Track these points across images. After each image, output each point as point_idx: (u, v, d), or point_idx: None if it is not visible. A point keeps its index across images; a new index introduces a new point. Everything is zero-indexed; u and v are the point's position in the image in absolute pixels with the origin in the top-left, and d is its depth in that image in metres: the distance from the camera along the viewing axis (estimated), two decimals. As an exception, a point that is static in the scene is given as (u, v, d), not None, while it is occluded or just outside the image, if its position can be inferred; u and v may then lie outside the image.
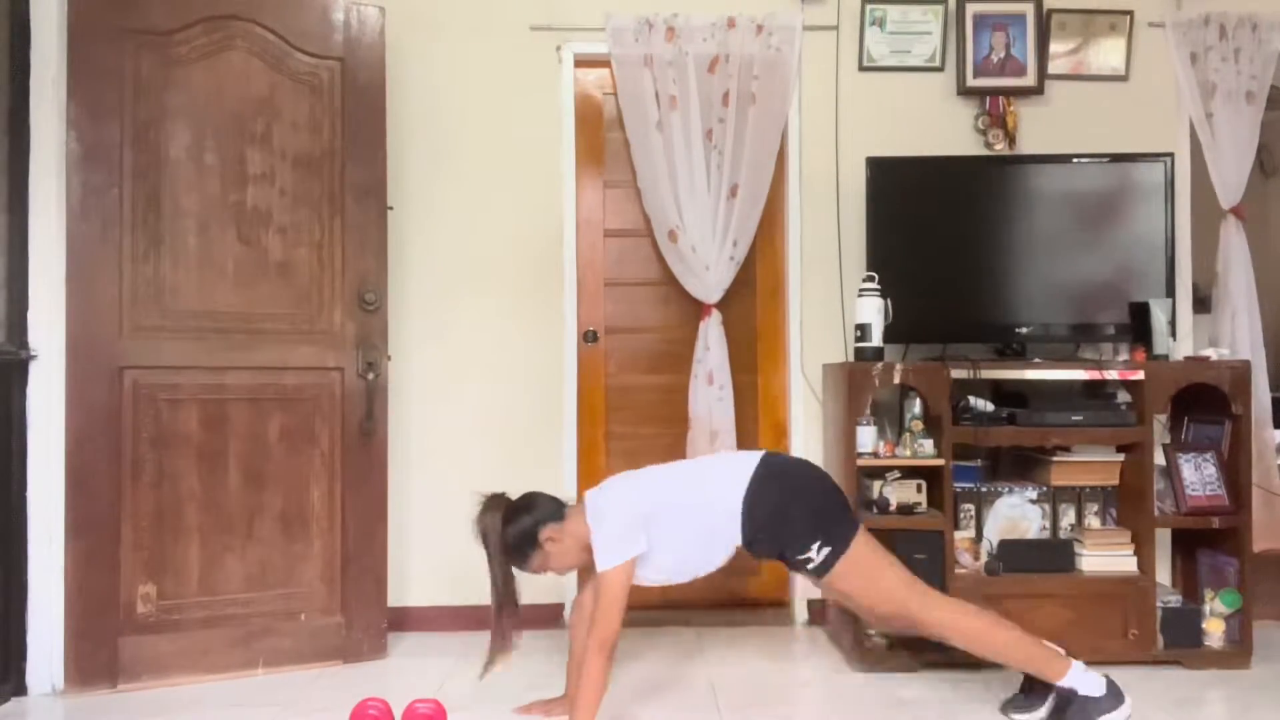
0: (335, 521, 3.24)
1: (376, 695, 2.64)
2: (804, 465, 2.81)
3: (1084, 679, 2.56)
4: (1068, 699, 2.57)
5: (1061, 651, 2.62)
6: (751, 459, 2.66)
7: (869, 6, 3.72)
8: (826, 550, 2.56)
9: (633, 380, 3.84)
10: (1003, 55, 3.73)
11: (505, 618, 2.61)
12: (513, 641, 2.64)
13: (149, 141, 3.05)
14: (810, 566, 2.59)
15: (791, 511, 2.59)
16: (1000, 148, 3.70)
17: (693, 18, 3.64)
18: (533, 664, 3.20)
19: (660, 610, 3.73)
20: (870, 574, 2.61)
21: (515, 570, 2.64)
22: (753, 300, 3.85)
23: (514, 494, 2.67)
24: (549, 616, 3.62)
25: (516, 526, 2.59)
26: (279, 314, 3.19)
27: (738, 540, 2.62)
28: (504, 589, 2.60)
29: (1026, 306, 3.46)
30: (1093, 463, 3.26)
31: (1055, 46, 3.75)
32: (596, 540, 2.53)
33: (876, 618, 2.78)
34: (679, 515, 2.59)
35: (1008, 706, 2.72)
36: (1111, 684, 2.57)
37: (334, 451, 3.25)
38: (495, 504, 2.62)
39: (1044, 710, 2.62)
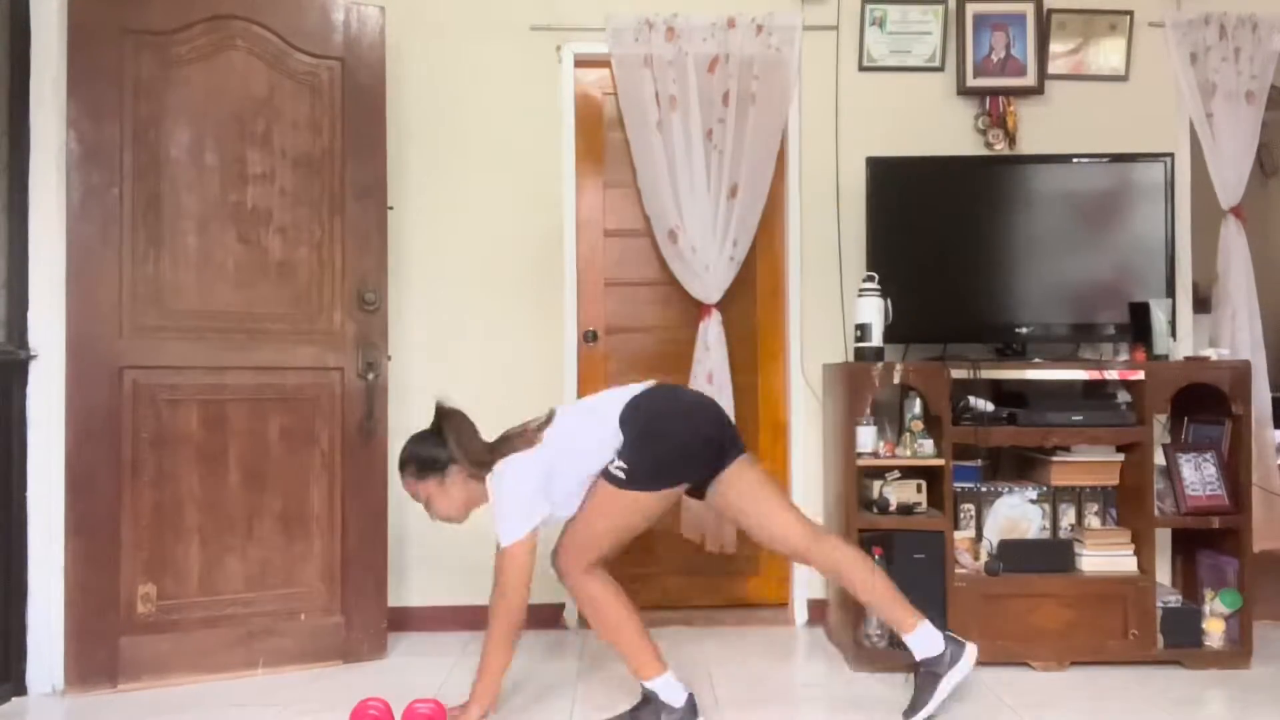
0: (335, 521, 3.24)
1: (376, 695, 2.64)
2: (699, 397, 2.82)
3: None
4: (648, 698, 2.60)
5: (652, 655, 2.60)
6: (630, 391, 2.65)
7: (869, 6, 3.72)
8: (620, 475, 2.52)
9: (633, 380, 3.82)
10: (1003, 55, 3.73)
11: None
12: None
13: (149, 142, 3.05)
14: (608, 467, 2.55)
15: (652, 435, 2.57)
16: (1000, 148, 3.70)
17: (693, 18, 3.64)
18: (533, 663, 3.20)
19: (660, 610, 3.73)
20: (598, 516, 2.58)
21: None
22: (753, 300, 3.85)
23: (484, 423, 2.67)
24: (549, 617, 3.62)
25: (426, 451, 2.61)
26: (279, 314, 3.19)
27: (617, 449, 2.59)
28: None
29: (1026, 306, 3.45)
30: (1093, 463, 3.26)
31: (1055, 46, 3.75)
32: (496, 514, 2.54)
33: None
34: (573, 458, 2.58)
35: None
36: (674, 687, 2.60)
37: (334, 451, 3.24)
38: (445, 415, 2.64)
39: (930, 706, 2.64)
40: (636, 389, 2.66)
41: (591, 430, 2.60)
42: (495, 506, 2.56)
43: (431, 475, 2.61)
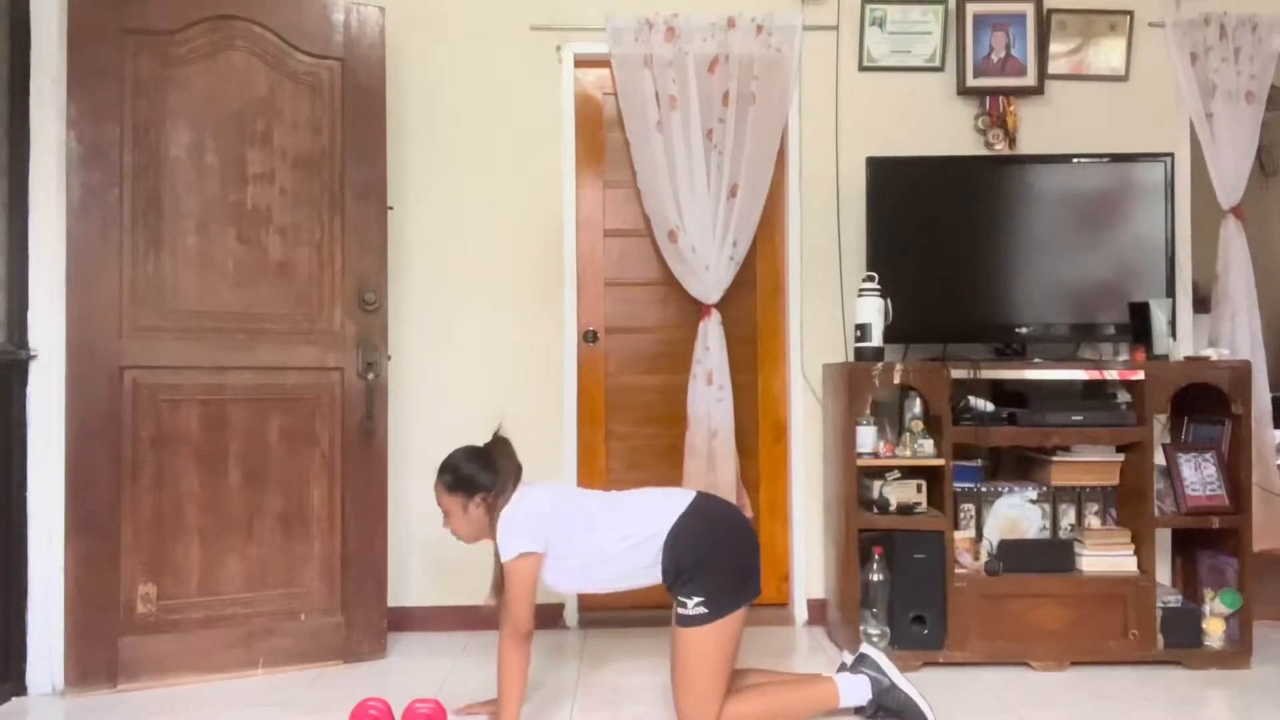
0: (335, 521, 3.24)
1: (376, 695, 2.64)
2: (735, 514, 2.70)
3: (851, 689, 2.61)
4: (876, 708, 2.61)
5: (825, 678, 2.64)
6: (685, 496, 2.61)
7: (869, 6, 3.72)
8: (702, 611, 2.48)
9: (633, 380, 3.84)
10: (1003, 55, 3.73)
11: None
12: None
13: (149, 141, 3.05)
14: (680, 612, 2.52)
15: (709, 561, 2.51)
16: (1000, 148, 3.70)
17: (693, 18, 3.64)
18: (533, 663, 3.19)
19: (660, 610, 3.73)
20: (703, 660, 2.50)
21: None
22: (753, 300, 3.85)
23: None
24: (549, 617, 3.62)
25: (468, 469, 2.61)
26: (279, 314, 3.19)
27: (657, 579, 2.57)
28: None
29: (1026, 306, 3.46)
30: (1093, 463, 3.26)
31: (1055, 46, 3.75)
32: (498, 532, 2.56)
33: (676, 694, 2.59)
34: (586, 532, 2.57)
35: None
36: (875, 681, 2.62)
37: (334, 451, 3.25)
38: (500, 444, 2.66)
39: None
40: (670, 514, 2.56)
41: (618, 543, 2.56)
42: (501, 523, 2.56)
43: (460, 493, 2.60)
